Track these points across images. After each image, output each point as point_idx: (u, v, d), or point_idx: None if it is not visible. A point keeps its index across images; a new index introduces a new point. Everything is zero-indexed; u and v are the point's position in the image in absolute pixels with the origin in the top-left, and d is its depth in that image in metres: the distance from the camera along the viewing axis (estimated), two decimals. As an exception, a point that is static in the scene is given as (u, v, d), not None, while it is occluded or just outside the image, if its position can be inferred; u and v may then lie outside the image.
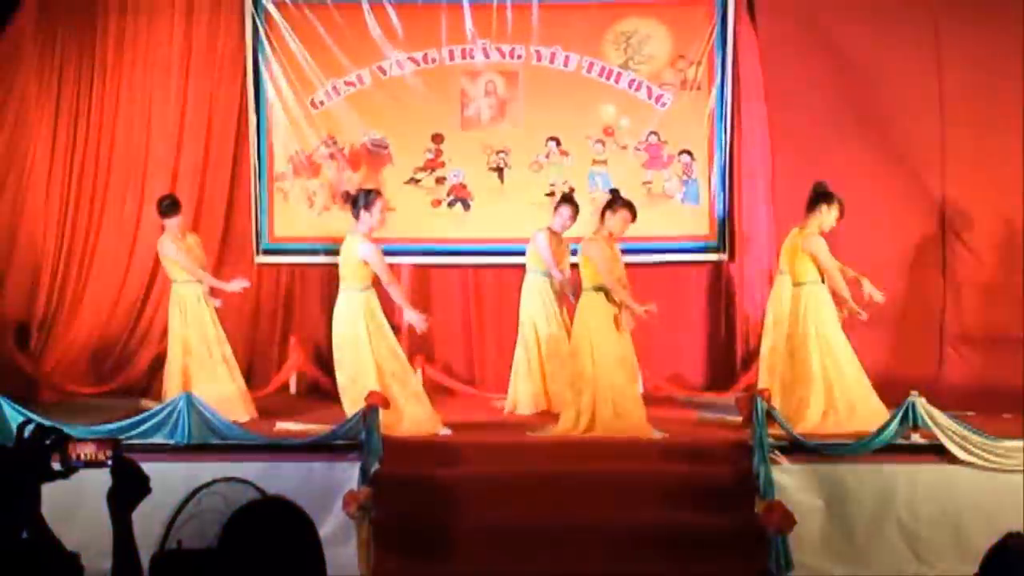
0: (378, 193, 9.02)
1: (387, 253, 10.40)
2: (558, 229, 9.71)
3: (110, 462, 3.03)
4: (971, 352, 10.09)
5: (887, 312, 10.17)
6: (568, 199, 9.97)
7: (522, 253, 9.84)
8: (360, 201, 8.71)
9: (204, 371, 9.28)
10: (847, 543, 7.61)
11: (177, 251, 9.35)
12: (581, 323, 8.69)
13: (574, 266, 9.18)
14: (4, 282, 10.47)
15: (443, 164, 10.92)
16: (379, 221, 8.85)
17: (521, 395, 9.63)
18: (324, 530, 6.63)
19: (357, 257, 8.60)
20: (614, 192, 9.14)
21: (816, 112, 10.37)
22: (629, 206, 8.76)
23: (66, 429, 3.11)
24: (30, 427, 3.01)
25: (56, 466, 3.00)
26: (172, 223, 9.42)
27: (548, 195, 10.37)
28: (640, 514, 7.48)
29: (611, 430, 8.36)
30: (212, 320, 9.46)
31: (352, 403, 8.33)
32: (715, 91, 10.85)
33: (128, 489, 3.03)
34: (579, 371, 8.55)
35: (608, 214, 8.73)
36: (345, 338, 8.61)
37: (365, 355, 8.50)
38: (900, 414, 7.67)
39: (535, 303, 9.67)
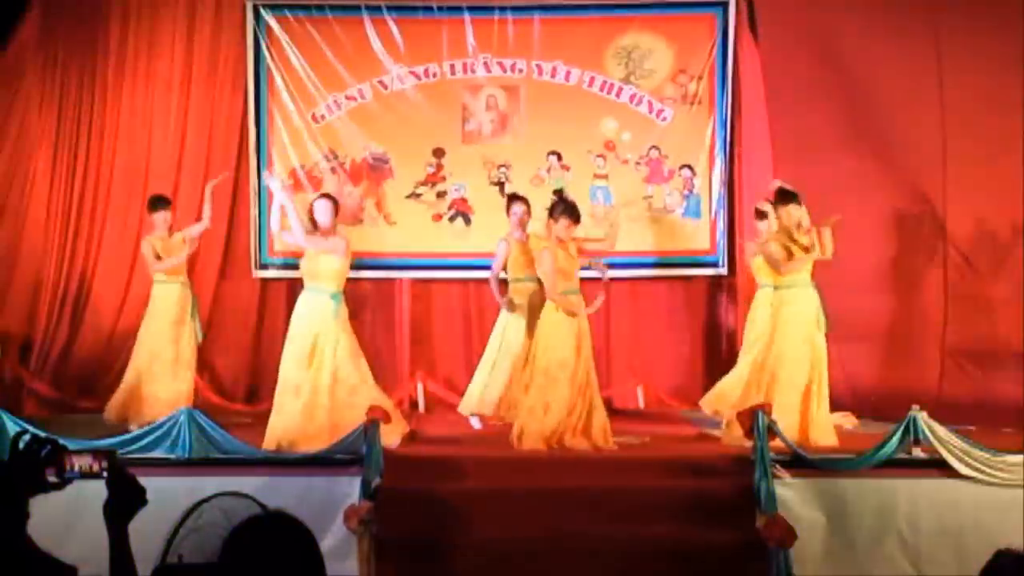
0: (319, 195, 9.00)
1: (388, 267, 10.43)
2: (514, 230, 9.60)
3: (105, 473, 3.02)
4: (972, 366, 10.07)
5: (888, 326, 10.18)
6: (515, 197, 9.80)
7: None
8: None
9: (164, 370, 9.42)
10: (848, 557, 7.59)
11: (148, 248, 9.50)
12: (537, 332, 8.67)
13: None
14: (6, 297, 10.49)
15: (444, 178, 10.94)
16: (325, 224, 8.57)
17: (472, 394, 9.61)
18: (325, 544, 6.59)
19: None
20: (558, 193, 9.16)
21: (817, 126, 10.38)
22: (568, 212, 8.62)
23: (66, 442, 3.10)
24: (25, 438, 3.00)
25: (51, 478, 2.99)
26: (157, 218, 9.55)
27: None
28: (641, 529, 7.46)
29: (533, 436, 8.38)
30: (178, 320, 9.52)
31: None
32: (716, 105, 10.87)
33: (124, 500, 3.02)
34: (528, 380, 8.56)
35: (551, 222, 8.70)
36: None
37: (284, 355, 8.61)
38: (901, 428, 7.65)
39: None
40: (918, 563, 7.59)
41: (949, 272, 10.25)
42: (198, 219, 10.08)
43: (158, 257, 9.51)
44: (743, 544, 7.24)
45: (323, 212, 8.59)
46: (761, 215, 9.53)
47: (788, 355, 8.54)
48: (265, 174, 9.77)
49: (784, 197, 8.75)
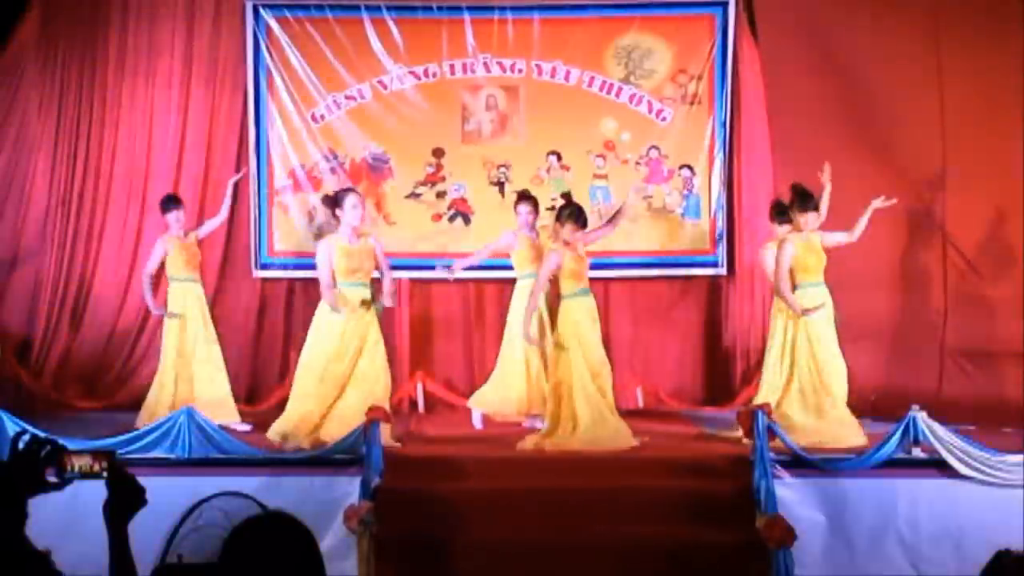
0: (349, 190, 9.00)
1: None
2: (522, 229, 9.57)
3: (105, 474, 3.02)
4: (972, 366, 10.07)
5: (888, 326, 10.19)
6: (522, 196, 9.78)
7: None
8: (334, 203, 8.78)
9: (195, 372, 9.44)
10: (848, 557, 7.60)
11: (160, 249, 9.52)
12: (560, 330, 8.63)
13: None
14: (6, 297, 10.50)
15: (444, 178, 10.93)
16: (357, 218, 8.62)
17: (489, 395, 9.61)
18: (325, 544, 6.60)
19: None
20: (566, 197, 9.21)
21: (817, 126, 10.37)
22: (574, 217, 8.67)
23: (66, 442, 3.10)
24: (25, 438, 3.00)
25: (51, 478, 2.99)
26: (170, 218, 9.57)
27: (549, 209, 10.30)
28: (641, 529, 7.46)
29: (589, 441, 8.34)
30: (205, 320, 9.56)
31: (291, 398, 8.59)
32: (716, 105, 10.86)
33: (124, 501, 3.02)
34: (559, 379, 8.53)
35: (557, 226, 8.72)
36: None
37: (307, 356, 8.59)
38: (901, 428, 7.66)
39: (519, 307, 9.51)
40: (918, 563, 7.59)
41: (949, 272, 10.26)
42: (199, 223, 10.10)
43: (157, 273, 9.57)
44: (743, 544, 7.24)
45: (357, 207, 8.63)
46: (781, 216, 9.39)
47: (835, 351, 8.57)
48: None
49: (804, 203, 8.69)
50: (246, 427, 9.19)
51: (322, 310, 8.61)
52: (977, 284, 10.20)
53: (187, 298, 9.51)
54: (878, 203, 8.88)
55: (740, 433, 8.38)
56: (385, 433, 8.04)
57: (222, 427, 8.27)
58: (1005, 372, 9.83)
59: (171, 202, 9.62)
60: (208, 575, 3.02)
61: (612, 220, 9.58)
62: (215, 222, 9.94)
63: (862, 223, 8.78)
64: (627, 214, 9.58)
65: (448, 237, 10.92)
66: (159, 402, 9.29)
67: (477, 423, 9.54)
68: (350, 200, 8.63)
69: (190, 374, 9.40)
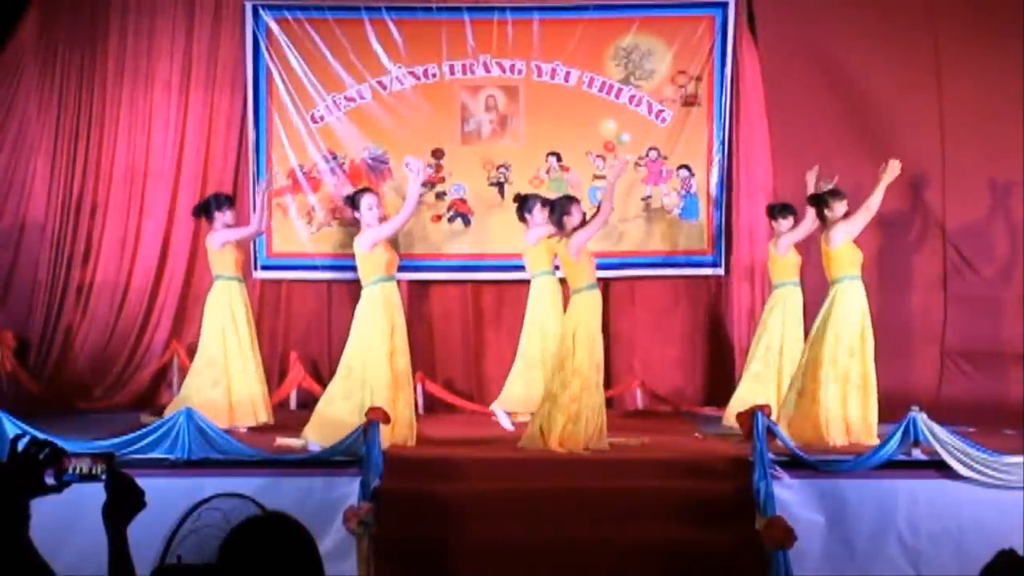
0: (365, 190, 9.04)
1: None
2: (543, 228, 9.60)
3: (104, 476, 3.02)
4: (972, 367, 10.08)
5: (887, 327, 10.18)
6: (527, 199, 9.88)
7: (523, 268, 9.81)
8: (353, 202, 8.84)
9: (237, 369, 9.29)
10: (848, 559, 7.59)
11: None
12: (573, 324, 8.58)
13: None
14: (5, 297, 10.50)
15: (443, 179, 10.93)
16: (374, 218, 8.69)
17: (513, 394, 9.63)
18: (324, 546, 6.61)
19: (360, 252, 8.64)
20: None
21: (817, 126, 10.39)
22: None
23: (65, 444, 3.10)
24: (24, 440, 3.00)
25: (50, 480, 2.99)
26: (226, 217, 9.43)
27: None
28: (641, 530, 7.45)
29: (572, 439, 8.32)
30: (249, 319, 9.42)
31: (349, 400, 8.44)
32: (715, 106, 10.86)
33: (123, 503, 3.02)
34: (567, 373, 8.47)
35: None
36: (357, 331, 8.59)
37: (376, 346, 8.48)
38: (901, 429, 7.65)
39: (543, 303, 9.61)
40: (918, 564, 7.59)
41: (949, 272, 10.26)
42: (196, 222, 10.09)
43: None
44: (742, 545, 7.24)
45: (373, 208, 8.75)
46: (784, 214, 9.53)
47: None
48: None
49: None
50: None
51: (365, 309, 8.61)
52: (977, 284, 10.20)
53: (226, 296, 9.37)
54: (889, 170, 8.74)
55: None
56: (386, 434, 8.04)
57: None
58: (1005, 373, 9.84)
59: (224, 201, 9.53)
60: (207, 576, 3.01)
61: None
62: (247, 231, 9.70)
63: (878, 194, 8.73)
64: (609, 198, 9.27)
65: (447, 238, 10.91)
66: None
67: (506, 424, 9.49)
68: (366, 201, 8.71)
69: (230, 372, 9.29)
